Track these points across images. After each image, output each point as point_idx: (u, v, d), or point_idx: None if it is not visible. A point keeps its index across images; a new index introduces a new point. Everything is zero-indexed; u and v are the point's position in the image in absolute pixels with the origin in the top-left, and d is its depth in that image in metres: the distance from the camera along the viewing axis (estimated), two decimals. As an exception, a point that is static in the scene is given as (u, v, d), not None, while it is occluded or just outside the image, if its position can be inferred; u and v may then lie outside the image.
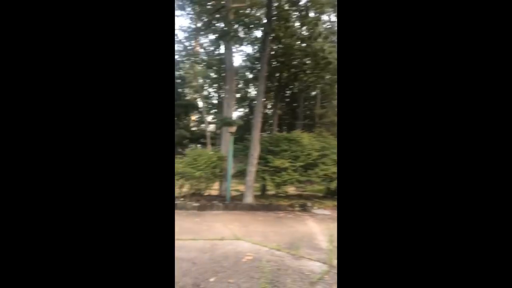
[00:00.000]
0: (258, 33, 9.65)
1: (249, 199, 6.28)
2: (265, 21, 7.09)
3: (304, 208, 6.07)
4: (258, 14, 9.92)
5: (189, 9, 10.22)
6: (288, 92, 12.04)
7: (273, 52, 9.09)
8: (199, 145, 13.06)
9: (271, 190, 7.60)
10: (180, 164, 6.42)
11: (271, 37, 7.29)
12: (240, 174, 7.59)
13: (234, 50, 9.36)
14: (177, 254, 3.18)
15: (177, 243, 3.57)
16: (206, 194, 7.20)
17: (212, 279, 2.57)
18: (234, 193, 7.10)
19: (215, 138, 12.85)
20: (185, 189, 6.76)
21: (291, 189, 7.76)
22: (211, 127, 14.23)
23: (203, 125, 14.22)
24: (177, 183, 6.52)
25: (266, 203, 6.28)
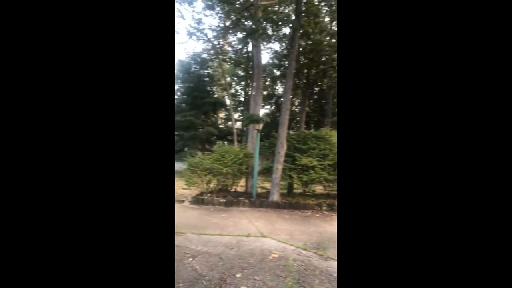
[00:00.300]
0: (287, 30, 9.54)
1: (275, 196, 6.26)
2: (293, 17, 6.98)
3: (332, 208, 5.92)
4: (286, 10, 9.80)
5: (218, 8, 10.38)
6: (316, 89, 11.78)
7: (301, 49, 8.93)
8: (225, 142, 13.27)
9: (298, 189, 7.51)
10: (208, 160, 6.57)
11: (300, 34, 7.16)
12: (266, 172, 7.59)
13: (262, 47, 9.35)
14: (204, 248, 3.25)
15: (204, 238, 3.67)
16: (232, 190, 7.30)
17: (238, 275, 2.59)
18: (260, 190, 7.12)
19: (242, 135, 12.97)
20: (212, 185, 6.91)
21: (318, 188, 7.60)
22: (238, 125, 14.39)
23: (230, 123, 14.41)
24: (205, 178, 6.68)
25: (292, 202, 6.21)
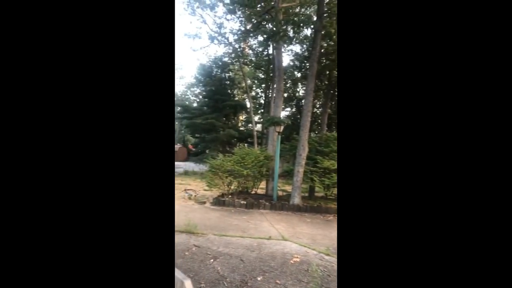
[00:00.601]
0: (308, 31, 9.46)
1: (296, 199, 6.18)
2: (315, 18, 6.89)
3: (355, 213, 5.72)
4: (308, 12, 9.72)
5: (239, 12, 10.51)
6: (338, 90, 11.53)
7: (323, 50, 8.79)
8: (246, 145, 13.34)
9: (319, 192, 7.36)
10: (229, 162, 6.62)
11: (322, 35, 7.06)
12: (287, 174, 7.51)
13: (282, 50, 9.32)
14: (225, 250, 3.27)
15: (225, 239, 3.69)
16: (253, 192, 7.30)
17: (259, 278, 2.57)
18: (280, 193, 7.06)
19: (262, 138, 12.98)
20: (233, 187, 6.95)
21: (340, 192, 7.38)
22: (258, 127, 14.42)
23: (250, 125, 14.48)
24: (226, 180, 6.73)
25: (314, 205, 6.10)
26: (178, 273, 0.77)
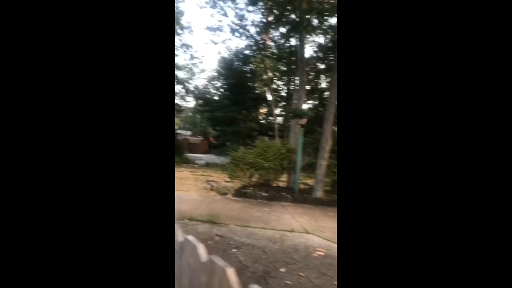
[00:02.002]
0: (333, 21, 9.11)
1: (319, 193, 6.07)
2: (341, 5, 6.62)
3: (380, 208, 5.53)
4: (332, 0, 9.37)
5: (261, 3, 10.34)
6: (363, 82, 11.06)
7: (348, 39, 8.45)
8: (266, 137, 13.29)
9: (342, 186, 7.18)
10: (250, 155, 6.63)
11: (347, 23, 6.78)
12: (309, 168, 7.39)
13: (305, 41, 9.08)
14: (247, 240, 3.27)
15: (247, 230, 3.70)
16: (274, 185, 7.27)
17: (282, 270, 2.55)
18: (302, 186, 6.97)
19: (283, 131, 12.85)
20: (254, 179, 6.97)
21: (364, 187, 7.18)
22: (279, 120, 14.28)
23: (271, 118, 14.38)
24: (247, 173, 6.76)
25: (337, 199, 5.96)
26: (218, 261, 0.75)
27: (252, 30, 11.40)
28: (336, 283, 2.29)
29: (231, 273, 0.72)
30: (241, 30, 11.24)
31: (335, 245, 3.29)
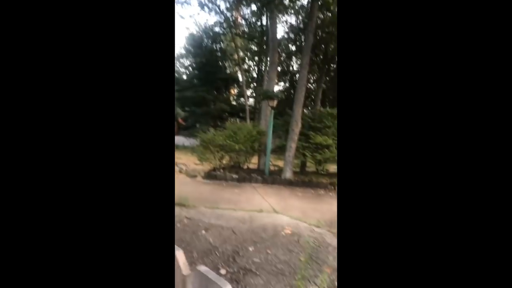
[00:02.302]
0: (305, 1, 8.99)
1: (288, 174, 6.22)
2: (313, -15, 6.51)
3: (344, 188, 5.83)
4: (305, -21, 9.17)
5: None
6: (334, 65, 11.24)
7: (319, 22, 8.43)
8: (237, 119, 13.16)
9: (311, 167, 7.43)
10: (220, 137, 6.52)
11: (319, 5, 6.71)
12: (279, 150, 7.51)
13: (277, 20, 8.88)
14: (217, 222, 3.27)
15: (217, 212, 3.69)
16: (245, 167, 7.30)
17: (251, 248, 2.59)
18: (272, 168, 7.09)
19: (254, 113, 12.79)
20: (225, 161, 6.92)
21: (332, 168, 7.50)
22: (251, 101, 14.16)
23: (242, 99, 14.20)
24: (217, 155, 6.68)
25: (305, 180, 6.16)
26: None
27: (223, 5, 10.90)
28: (302, 258, 2.38)
29: (179, 254, 0.70)
30: (210, 5, 10.67)
31: (303, 224, 3.42)
